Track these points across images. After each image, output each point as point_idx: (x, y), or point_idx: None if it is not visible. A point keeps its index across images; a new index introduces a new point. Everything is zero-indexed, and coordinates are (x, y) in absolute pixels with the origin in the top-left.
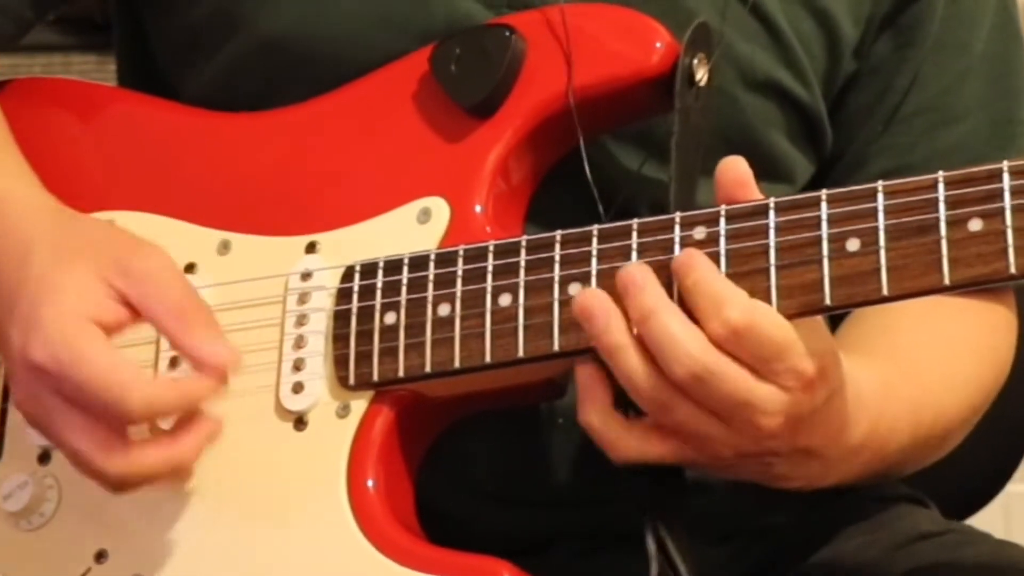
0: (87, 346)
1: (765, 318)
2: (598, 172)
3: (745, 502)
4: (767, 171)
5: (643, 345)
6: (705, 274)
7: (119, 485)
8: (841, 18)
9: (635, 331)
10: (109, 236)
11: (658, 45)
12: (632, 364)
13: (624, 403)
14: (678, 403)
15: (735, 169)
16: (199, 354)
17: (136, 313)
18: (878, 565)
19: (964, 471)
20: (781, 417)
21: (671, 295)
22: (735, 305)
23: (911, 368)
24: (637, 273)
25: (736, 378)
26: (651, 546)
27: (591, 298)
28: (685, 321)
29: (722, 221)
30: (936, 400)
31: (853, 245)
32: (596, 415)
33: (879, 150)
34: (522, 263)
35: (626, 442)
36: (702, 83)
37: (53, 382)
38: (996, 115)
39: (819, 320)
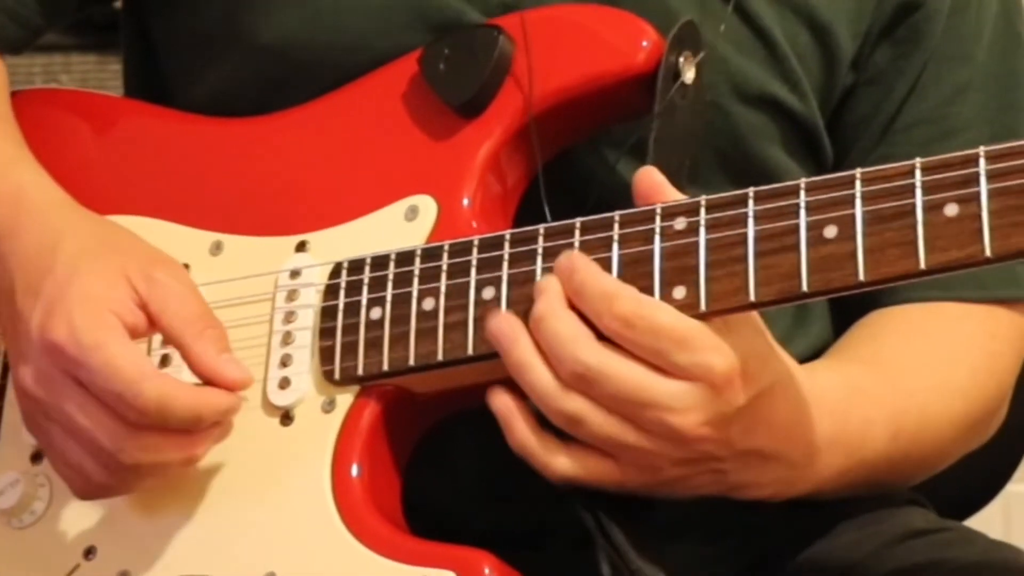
0: (108, 334)
1: (657, 308)
2: (589, 174)
3: (729, 500)
4: (763, 184)
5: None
6: (590, 274)
7: (121, 478)
8: (840, 31)
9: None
10: (132, 241)
11: (644, 43)
12: (535, 377)
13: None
14: (585, 412)
15: (650, 178)
16: (217, 372)
17: (151, 322)
18: (869, 561)
19: (964, 471)
20: (696, 415)
21: None
22: (624, 298)
23: (892, 373)
24: (543, 283)
25: (626, 375)
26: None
27: (501, 321)
28: (574, 324)
29: (702, 211)
30: (920, 406)
31: (831, 232)
32: (524, 434)
33: (877, 160)
34: (506, 256)
35: (560, 460)
36: (689, 81)
37: (69, 363)
38: (998, 128)
39: (753, 321)
